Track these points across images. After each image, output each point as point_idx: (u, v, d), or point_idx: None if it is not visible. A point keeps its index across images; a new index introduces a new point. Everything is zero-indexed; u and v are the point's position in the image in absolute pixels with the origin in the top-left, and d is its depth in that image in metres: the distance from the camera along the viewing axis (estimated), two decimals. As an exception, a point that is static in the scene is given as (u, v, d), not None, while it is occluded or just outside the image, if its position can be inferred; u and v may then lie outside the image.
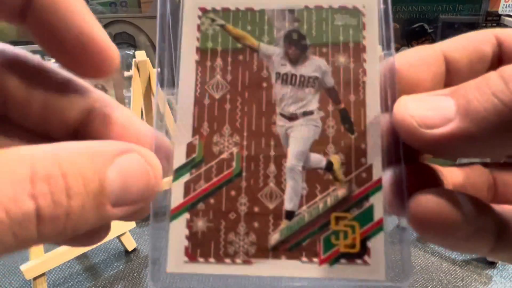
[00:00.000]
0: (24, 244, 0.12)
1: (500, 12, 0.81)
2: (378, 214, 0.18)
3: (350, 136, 0.18)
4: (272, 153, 0.18)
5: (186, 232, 0.18)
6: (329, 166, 0.18)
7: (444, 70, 0.18)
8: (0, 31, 0.83)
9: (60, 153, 0.13)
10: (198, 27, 0.19)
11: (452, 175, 0.19)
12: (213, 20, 0.19)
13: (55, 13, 0.15)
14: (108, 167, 0.14)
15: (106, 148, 0.14)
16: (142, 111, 0.61)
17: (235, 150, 0.18)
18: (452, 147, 0.15)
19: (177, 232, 0.18)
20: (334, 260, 0.17)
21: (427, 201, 0.15)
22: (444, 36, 0.83)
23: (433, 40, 0.81)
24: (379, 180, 0.18)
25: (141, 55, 0.59)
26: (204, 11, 0.19)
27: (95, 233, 0.17)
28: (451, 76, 0.18)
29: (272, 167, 0.18)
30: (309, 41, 0.19)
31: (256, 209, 0.18)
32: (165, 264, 0.17)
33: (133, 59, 0.59)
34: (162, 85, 0.19)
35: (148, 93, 0.61)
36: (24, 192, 0.12)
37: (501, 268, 0.53)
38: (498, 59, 0.18)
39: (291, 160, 0.18)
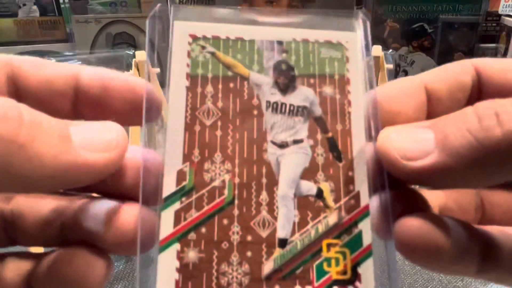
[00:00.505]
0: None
1: (500, 12, 0.81)
2: (366, 240, 0.18)
3: (338, 164, 0.18)
4: (264, 180, 0.18)
5: (177, 264, 0.17)
6: (320, 194, 0.18)
7: (425, 100, 0.18)
8: (0, 31, 0.83)
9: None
10: (188, 53, 0.19)
11: (438, 197, 0.20)
12: (203, 47, 0.19)
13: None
14: (69, 125, 0.15)
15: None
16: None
17: (227, 177, 0.18)
18: (432, 178, 0.15)
19: (167, 264, 0.17)
20: (327, 287, 0.17)
21: (411, 225, 0.15)
22: (444, 36, 0.83)
23: (433, 40, 0.81)
24: (367, 206, 0.18)
25: (141, 55, 0.59)
26: (194, 38, 0.19)
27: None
28: (433, 105, 0.18)
29: (264, 195, 0.18)
30: (297, 71, 0.19)
31: (249, 237, 0.17)
32: None
33: (133, 59, 0.59)
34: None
35: (148, 93, 0.61)
36: None
37: (501, 268, 0.53)
38: (478, 88, 0.18)
39: (283, 187, 0.18)
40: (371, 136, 0.18)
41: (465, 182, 0.16)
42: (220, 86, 0.19)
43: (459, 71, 0.18)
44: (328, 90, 0.19)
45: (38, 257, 0.18)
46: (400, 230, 0.16)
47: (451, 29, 0.80)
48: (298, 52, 0.19)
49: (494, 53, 0.82)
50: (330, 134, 0.19)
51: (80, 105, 0.18)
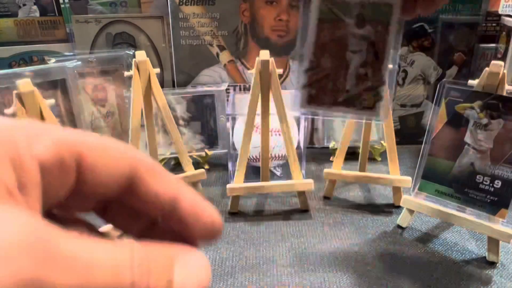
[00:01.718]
0: None
1: (500, 12, 0.81)
2: None
3: None
4: None
5: None
6: None
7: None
8: (0, 31, 0.83)
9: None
10: None
11: None
12: None
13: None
14: (174, 263, 0.16)
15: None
16: (142, 111, 0.61)
17: None
18: None
19: None
20: None
21: None
22: (444, 36, 0.83)
23: (433, 40, 0.81)
24: None
25: (141, 55, 0.59)
26: None
27: None
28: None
29: None
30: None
31: None
32: None
33: (133, 59, 0.59)
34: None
35: (148, 93, 0.61)
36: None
37: (501, 268, 0.53)
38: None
39: None
40: None
41: None
42: None
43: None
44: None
45: None
46: None
47: (451, 29, 0.80)
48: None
49: (494, 53, 0.82)
50: None
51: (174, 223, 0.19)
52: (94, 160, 0.17)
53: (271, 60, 0.58)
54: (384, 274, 0.51)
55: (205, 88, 0.78)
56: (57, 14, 0.85)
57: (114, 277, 0.13)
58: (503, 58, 0.77)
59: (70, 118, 0.67)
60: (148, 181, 0.18)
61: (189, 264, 0.16)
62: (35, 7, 0.84)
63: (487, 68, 0.51)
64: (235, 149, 0.69)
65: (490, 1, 0.81)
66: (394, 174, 0.64)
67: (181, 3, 0.78)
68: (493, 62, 0.51)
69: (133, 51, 0.73)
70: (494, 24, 0.82)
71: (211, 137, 0.79)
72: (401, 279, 0.51)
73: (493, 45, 0.82)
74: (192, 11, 0.78)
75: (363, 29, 0.37)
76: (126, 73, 0.61)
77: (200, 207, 0.19)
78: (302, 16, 0.38)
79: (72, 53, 0.80)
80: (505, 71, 0.51)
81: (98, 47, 0.83)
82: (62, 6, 0.85)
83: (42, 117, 0.49)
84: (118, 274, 0.14)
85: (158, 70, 0.62)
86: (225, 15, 0.79)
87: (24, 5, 0.84)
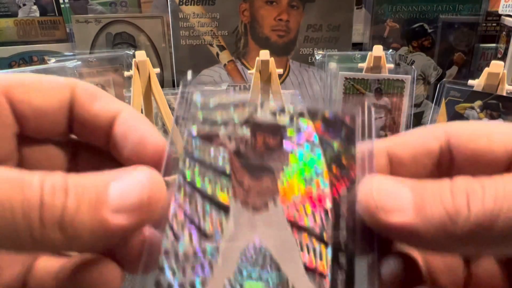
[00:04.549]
0: (34, 231, 0.14)
1: (500, 12, 0.81)
2: None
3: None
4: None
5: None
6: None
7: (387, 163, 0.19)
8: (0, 31, 0.83)
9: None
10: None
11: (434, 259, 0.21)
12: None
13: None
14: (109, 183, 0.16)
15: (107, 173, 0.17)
16: (142, 111, 0.61)
17: None
18: (405, 236, 0.17)
19: None
20: None
21: None
22: (444, 36, 0.83)
23: (433, 40, 0.81)
24: None
25: (141, 55, 0.59)
26: None
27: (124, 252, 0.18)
28: (396, 167, 0.19)
29: None
30: None
31: None
32: None
33: (133, 59, 0.59)
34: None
35: (148, 93, 0.61)
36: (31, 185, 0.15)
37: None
38: (448, 152, 0.19)
39: None
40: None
41: (434, 248, 0.17)
42: None
43: (427, 138, 0.19)
44: None
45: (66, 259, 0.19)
46: None
47: (451, 29, 0.80)
48: None
49: (494, 53, 0.82)
50: None
51: (111, 142, 0.20)
52: (26, 92, 0.18)
53: (271, 60, 0.58)
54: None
55: (205, 88, 0.78)
56: (57, 14, 0.85)
57: (18, 193, 0.14)
58: (503, 58, 0.77)
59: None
60: (88, 103, 0.19)
61: (125, 181, 0.16)
62: (35, 7, 0.84)
63: (487, 68, 0.51)
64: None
65: (490, 1, 0.81)
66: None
67: (181, 3, 0.78)
68: (493, 62, 0.51)
69: (133, 51, 0.73)
70: (494, 24, 0.82)
71: (211, 137, 0.79)
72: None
73: (493, 45, 0.82)
74: (192, 11, 0.78)
75: (381, 100, 0.46)
76: (126, 73, 0.61)
77: (131, 125, 0.19)
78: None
79: (72, 53, 0.80)
80: (505, 71, 0.51)
81: (98, 47, 0.83)
82: (62, 6, 0.85)
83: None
84: (23, 189, 0.15)
85: (158, 70, 0.62)
86: (225, 15, 0.79)
87: (24, 5, 0.84)
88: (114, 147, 0.19)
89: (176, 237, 0.18)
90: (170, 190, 0.18)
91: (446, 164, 0.19)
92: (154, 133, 0.19)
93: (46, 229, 0.15)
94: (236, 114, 0.20)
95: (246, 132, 0.20)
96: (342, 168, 0.20)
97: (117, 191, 0.16)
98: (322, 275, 0.18)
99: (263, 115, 0.20)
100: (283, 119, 0.20)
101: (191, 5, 0.78)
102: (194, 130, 0.20)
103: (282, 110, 0.21)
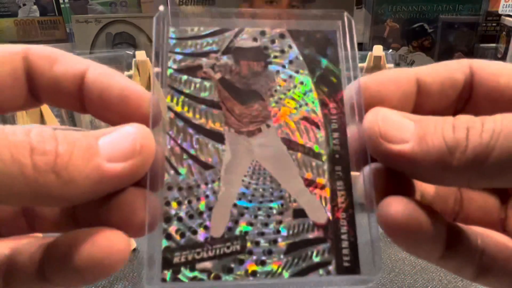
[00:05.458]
0: (27, 176, 0.14)
1: (500, 12, 0.81)
2: None
3: None
4: None
5: None
6: None
7: (415, 91, 0.20)
8: (0, 31, 0.83)
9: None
10: None
11: (423, 183, 0.21)
12: None
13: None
14: (98, 137, 0.16)
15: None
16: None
17: None
18: (403, 165, 0.17)
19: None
20: None
21: (395, 208, 0.17)
22: (444, 36, 0.83)
23: (433, 40, 0.81)
24: None
25: (141, 55, 0.59)
26: None
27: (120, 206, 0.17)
28: (422, 97, 0.20)
29: None
30: None
31: None
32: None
33: (133, 59, 0.59)
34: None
35: (148, 93, 0.61)
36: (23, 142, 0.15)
37: (501, 268, 0.53)
38: (470, 87, 0.20)
39: None
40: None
41: (431, 178, 0.18)
42: None
43: (454, 69, 0.20)
44: None
45: (48, 240, 0.18)
46: (384, 209, 0.17)
47: (451, 29, 0.80)
48: None
49: (494, 53, 0.82)
50: None
51: (87, 104, 0.19)
52: None
53: None
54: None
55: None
56: (57, 14, 0.85)
57: (2, 139, 0.14)
58: (503, 58, 0.77)
59: (70, 118, 0.67)
60: (47, 68, 0.18)
61: (115, 134, 0.16)
62: (35, 7, 0.84)
63: (487, 68, 0.51)
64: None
65: (490, 1, 0.81)
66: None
67: (181, 3, 0.78)
68: (493, 62, 0.51)
69: (133, 51, 0.73)
70: (494, 24, 0.82)
71: (211, 137, 0.79)
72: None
73: (493, 45, 0.82)
74: (192, 11, 0.78)
75: None
76: (126, 73, 0.61)
77: (105, 82, 0.18)
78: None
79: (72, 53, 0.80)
80: (505, 71, 0.51)
81: (98, 47, 0.83)
82: (62, 6, 0.85)
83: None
84: (6, 136, 0.14)
85: (159, 69, 0.62)
86: (225, 15, 0.79)
87: (24, 5, 0.84)
88: (92, 108, 0.19)
89: (177, 171, 0.18)
90: (162, 132, 0.19)
91: (465, 99, 0.20)
92: (132, 85, 0.18)
93: (40, 174, 0.14)
94: (215, 43, 0.20)
95: (229, 60, 0.20)
96: (330, 85, 0.20)
97: (108, 144, 0.16)
98: (321, 186, 0.19)
99: (243, 41, 0.20)
100: (265, 42, 0.20)
101: (191, 5, 0.78)
102: (175, 65, 0.20)
103: (262, 33, 0.21)
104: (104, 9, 0.84)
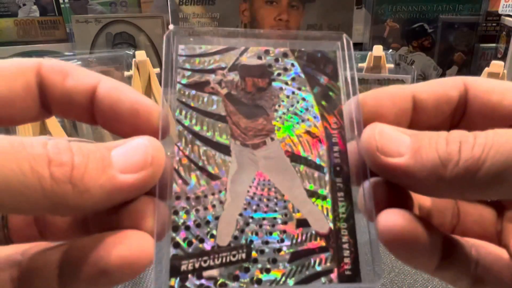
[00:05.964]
0: (45, 187, 0.15)
1: (500, 12, 0.81)
2: None
3: None
4: None
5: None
6: None
7: (411, 107, 0.20)
8: (0, 31, 0.83)
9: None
10: None
11: (421, 197, 0.22)
12: None
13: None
14: (111, 149, 0.17)
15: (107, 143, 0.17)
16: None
17: None
18: (399, 177, 0.18)
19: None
20: None
21: (393, 221, 0.18)
22: (444, 36, 0.83)
23: (433, 40, 0.81)
24: None
25: (141, 55, 0.59)
26: None
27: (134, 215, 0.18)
28: (418, 112, 0.20)
29: None
30: None
31: None
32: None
33: (133, 59, 0.59)
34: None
35: (148, 93, 0.61)
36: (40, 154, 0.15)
37: None
38: (464, 103, 0.20)
39: None
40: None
41: (425, 190, 0.18)
42: None
43: (448, 86, 0.21)
44: None
45: (61, 247, 0.18)
46: (382, 221, 0.18)
47: (451, 29, 0.80)
48: None
49: (494, 53, 0.82)
50: None
51: (97, 116, 0.19)
52: None
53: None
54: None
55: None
56: (57, 14, 0.85)
57: (22, 152, 0.15)
58: (503, 58, 0.77)
59: (73, 126, 0.67)
60: (59, 81, 0.19)
61: (127, 146, 0.17)
62: (35, 7, 0.84)
63: (487, 68, 0.51)
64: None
65: (490, 1, 0.81)
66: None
67: (181, 3, 0.78)
68: (493, 62, 0.51)
69: (133, 51, 0.73)
70: (494, 24, 0.82)
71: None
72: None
73: (493, 45, 0.82)
74: (192, 11, 0.78)
75: None
76: (126, 73, 0.61)
77: (115, 96, 0.19)
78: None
79: (72, 53, 0.80)
80: (505, 71, 0.51)
81: (98, 47, 0.83)
82: (62, 6, 0.85)
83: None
84: (25, 148, 0.15)
85: (158, 70, 0.62)
86: (225, 15, 0.79)
87: (24, 5, 0.84)
88: (102, 121, 0.19)
89: (185, 182, 0.19)
90: (171, 144, 0.19)
91: (460, 115, 0.21)
92: (142, 99, 0.19)
93: (57, 184, 0.15)
94: (222, 61, 0.21)
95: (235, 76, 0.21)
96: (330, 101, 0.21)
97: (120, 155, 0.17)
98: (323, 197, 0.20)
99: (249, 59, 0.22)
100: (269, 60, 0.22)
101: (191, 5, 0.78)
102: (184, 81, 0.21)
103: (267, 52, 0.22)
104: (104, 9, 0.84)
